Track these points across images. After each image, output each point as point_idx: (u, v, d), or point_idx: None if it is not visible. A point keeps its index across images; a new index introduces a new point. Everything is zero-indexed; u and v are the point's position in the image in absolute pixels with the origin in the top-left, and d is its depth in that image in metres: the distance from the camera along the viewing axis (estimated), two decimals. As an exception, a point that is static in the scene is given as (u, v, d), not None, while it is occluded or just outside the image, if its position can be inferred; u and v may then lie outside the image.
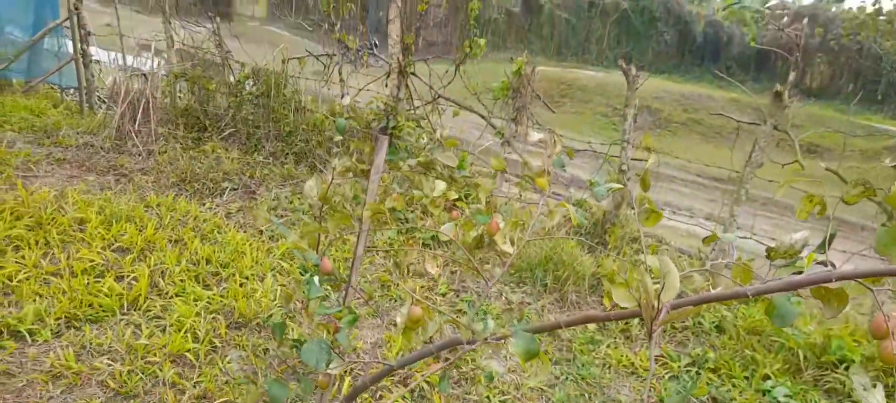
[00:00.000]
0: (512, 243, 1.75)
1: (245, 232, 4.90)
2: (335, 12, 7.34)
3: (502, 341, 1.32)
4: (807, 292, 1.17)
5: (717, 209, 8.38)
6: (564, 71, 23.37)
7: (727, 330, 4.26)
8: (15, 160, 5.67)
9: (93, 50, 8.54)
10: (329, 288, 2.54)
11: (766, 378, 3.76)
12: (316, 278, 1.65)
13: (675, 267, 1.05)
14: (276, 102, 7.18)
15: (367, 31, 10.99)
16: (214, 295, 3.84)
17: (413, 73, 6.75)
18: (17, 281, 3.65)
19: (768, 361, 3.87)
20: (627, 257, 5.12)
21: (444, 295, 4.45)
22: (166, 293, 3.79)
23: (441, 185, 2.37)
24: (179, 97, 7.78)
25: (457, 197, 2.54)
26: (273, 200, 5.68)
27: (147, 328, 3.40)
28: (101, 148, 6.53)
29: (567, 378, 3.61)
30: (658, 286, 1.10)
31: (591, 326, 4.12)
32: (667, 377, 3.79)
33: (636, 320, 4.25)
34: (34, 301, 3.48)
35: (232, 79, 7.69)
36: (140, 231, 4.47)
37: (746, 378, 3.78)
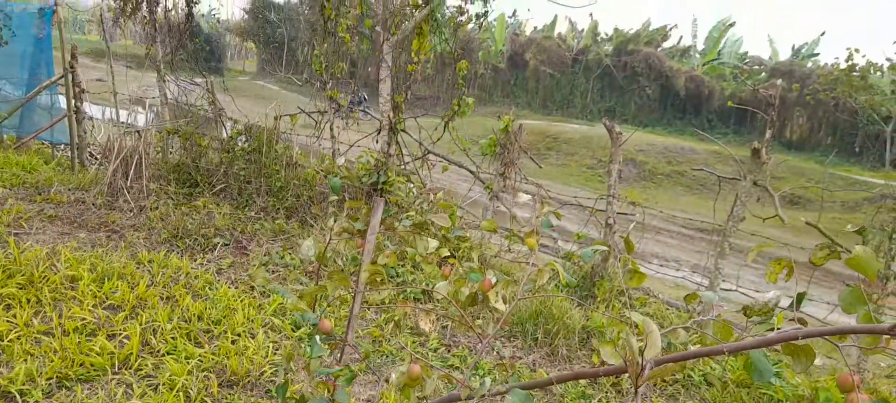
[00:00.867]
0: (504, 301, 1.82)
1: (236, 287, 4.92)
2: (326, 71, 7.54)
3: (499, 397, 1.39)
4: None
5: (704, 259, 8.52)
6: (550, 124, 23.83)
7: (715, 384, 4.30)
8: (7, 217, 5.69)
9: (85, 106, 8.64)
10: (327, 347, 2.58)
11: (756, 430, 3.80)
12: (317, 337, 1.71)
13: (656, 327, 1.13)
14: (268, 158, 7.30)
15: (357, 87, 11.22)
16: (206, 352, 3.84)
17: (403, 130, 6.93)
18: (8, 341, 3.64)
19: (757, 413, 3.92)
20: (616, 311, 5.19)
21: (435, 349, 4.47)
22: (158, 351, 3.79)
23: (433, 243, 2.46)
24: (171, 153, 7.89)
25: (448, 254, 2.63)
26: (264, 255, 5.72)
27: (139, 387, 3.39)
28: (93, 204, 6.56)
29: (559, 433, 3.63)
30: (642, 344, 1.18)
31: (583, 380, 4.16)
32: (657, 431, 3.82)
33: (625, 375, 4.29)
34: (25, 360, 3.47)
35: (225, 135, 7.82)
36: (132, 288, 4.48)
37: (736, 430, 3.82)
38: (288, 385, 1.72)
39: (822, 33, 38.21)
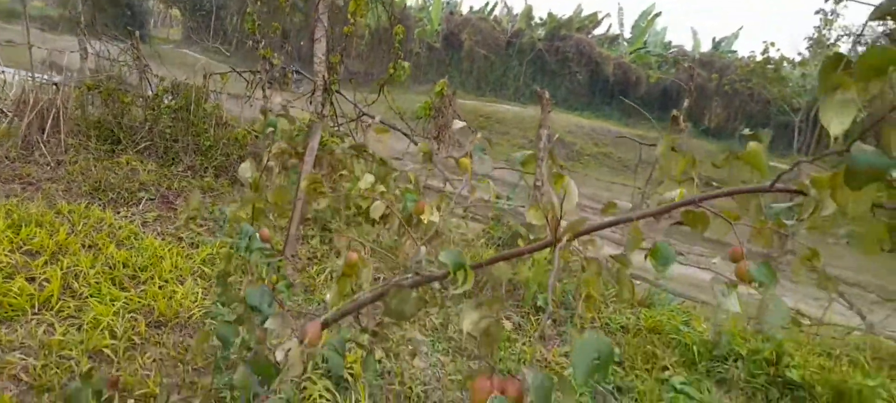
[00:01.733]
0: (438, 210, 1.92)
1: (163, 239, 4.81)
2: (260, 30, 7.39)
3: (439, 281, 1.49)
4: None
5: (627, 231, 8.95)
6: (483, 104, 24.10)
7: (631, 330, 4.60)
8: None
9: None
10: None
11: (665, 369, 4.11)
12: (256, 233, 1.76)
13: (574, 185, 1.27)
14: (197, 116, 7.10)
15: (291, 54, 11.00)
16: (132, 296, 3.77)
17: (338, 92, 6.90)
18: (-86, 282, 3.46)
19: (667, 355, 4.22)
20: (541, 264, 5.42)
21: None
22: (81, 294, 3.69)
23: (370, 177, 2.53)
24: (91, 109, 7.53)
25: (384, 190, 2.70)
26: (192, 210, 5.60)
27: (61, 326, 3.30)
28: (6, 157, 6.21)
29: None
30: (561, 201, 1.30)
31: (508, 326, 4.34)
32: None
33: (549, 322, 4.51)
34: (-66, 301, 3.31)
35: (150, 92, 7.54)
36: (51, 235, 4.32)
37: (647, 370, 4.10)
38: (227, 274, 1.77)
39: (740, 27, 40.33)
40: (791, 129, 23.56)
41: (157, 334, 3.46)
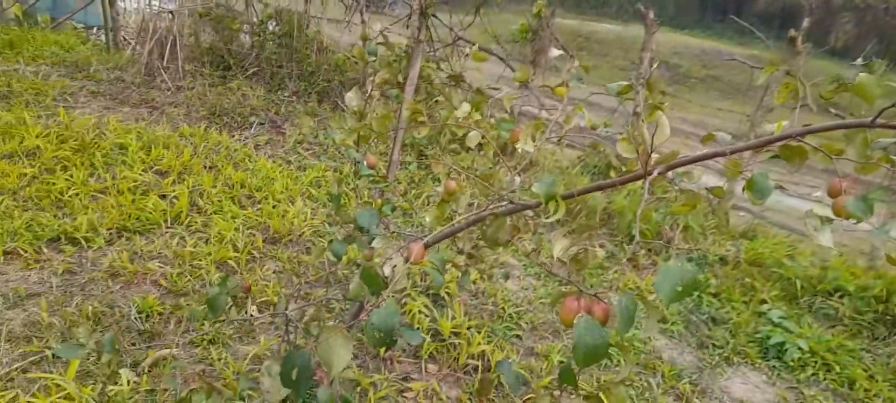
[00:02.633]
0: (533, 140, 1.97)
1: (274, 161, 5.16)
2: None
3: (530, 210, 1.57)
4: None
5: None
6: (582, 23, 23.16)
7: (730, 262, 4.50)
8: (52, 91, 5.93)
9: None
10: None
11: (764, 302, 4.02)
12: (363, 163, 1.90)
13: (666, 119, 1.28)
14: (299, 42, 7.37)
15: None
16: (249, 214, 4.12)
17: (434, 16, 6.90)
18: (68, 196, 3.95)
19: (766, 288, 4.12)
20: (637, 193, 5.33)
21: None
22: (206, 210, 4.08)
23: (466, 106, 2.59)
24: (203, 35, 7.99)
25: (479, 119, 2.76)
26: (299, 135, 5.93)
27: (191, 239, 3.70)
28: (133, 83, 6.77)
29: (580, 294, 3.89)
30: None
31: (601, 254, 4.37)
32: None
33: (643, 251, 4.49)
34: (86, 213, 3.78)
35: (255, 18, 7.87)
36: (177, 156, 4.75)
37: (745, 302, 4.03)
38: (341, 197, 1.93)
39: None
40: (933, 47, 21.01)
41: (273, 249, 3.80)
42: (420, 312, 3.27)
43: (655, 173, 1.26)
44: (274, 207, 4.26)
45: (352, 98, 2.39)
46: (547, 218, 1.42)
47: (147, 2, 10.16)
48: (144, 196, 4.10)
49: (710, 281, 4.18)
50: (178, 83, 6.89)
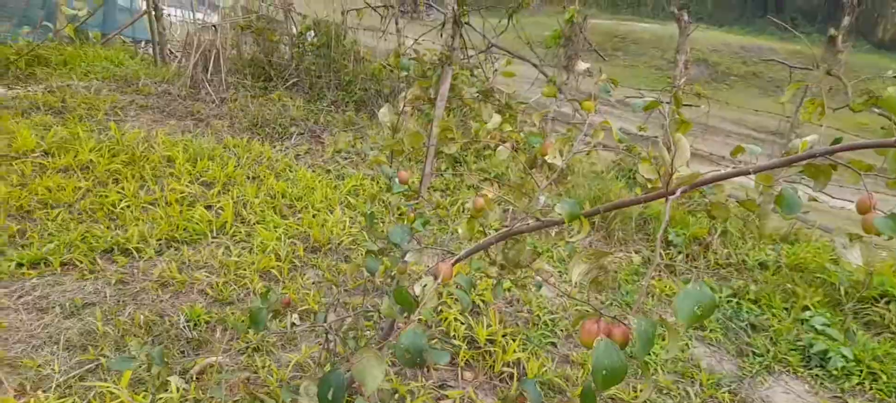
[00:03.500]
0: (561, 154, 2.01)
1: (314, 171, 5.30)
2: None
3: (554, 227, 1.61)
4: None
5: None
6: (618, 23, 22.90)
7: (770, 267, 4.43)
8: (104, 105, 6.21)
9: (163, 5, 9.03)
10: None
11: (806, 309, 3.95)
12: (396, 178, 1.97)
13: (686, 141, 1.31)
14: (336, 53, 7.53)
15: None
16: (291, 223, 4.26)
17: (467, 23, 6.96)
18: (120, 209, 4.15)
19: (809, 294, 4.05)
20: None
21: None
22: (249, 221, 4.23)
23: (497, 118, 2.65)
24: (245, 48, 8.23)
25: (510, 128, 2.81)
26: (339, 146, 6.07)
27: (235, 249, 3.84)
28: (178, 96, 7.03)
29: (612, 303, 3.90)
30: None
31: (636, 259, 4.37)
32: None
33: (679, 256, 4.46)
34: (136, 224, 3.96)
35: (294, 30, 8.08)
36: (221, 168, 4.92)
37: (786, 309, 3.97)
38: (374, 215, 2.00)
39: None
40: None
41: (314, 258, 3.92)
42: (456, 319, 3.34)
43: (678, 193, 1.30)
44: (314, 216, 4.39)
45: (385, 114, 2.48)
46: (571, 237, 1.46)
47: (192, 16, 10.53)
48: (191, 207, 4.28)
49: (749, 288, 4.13)
50: (222, 95, 7.12)
